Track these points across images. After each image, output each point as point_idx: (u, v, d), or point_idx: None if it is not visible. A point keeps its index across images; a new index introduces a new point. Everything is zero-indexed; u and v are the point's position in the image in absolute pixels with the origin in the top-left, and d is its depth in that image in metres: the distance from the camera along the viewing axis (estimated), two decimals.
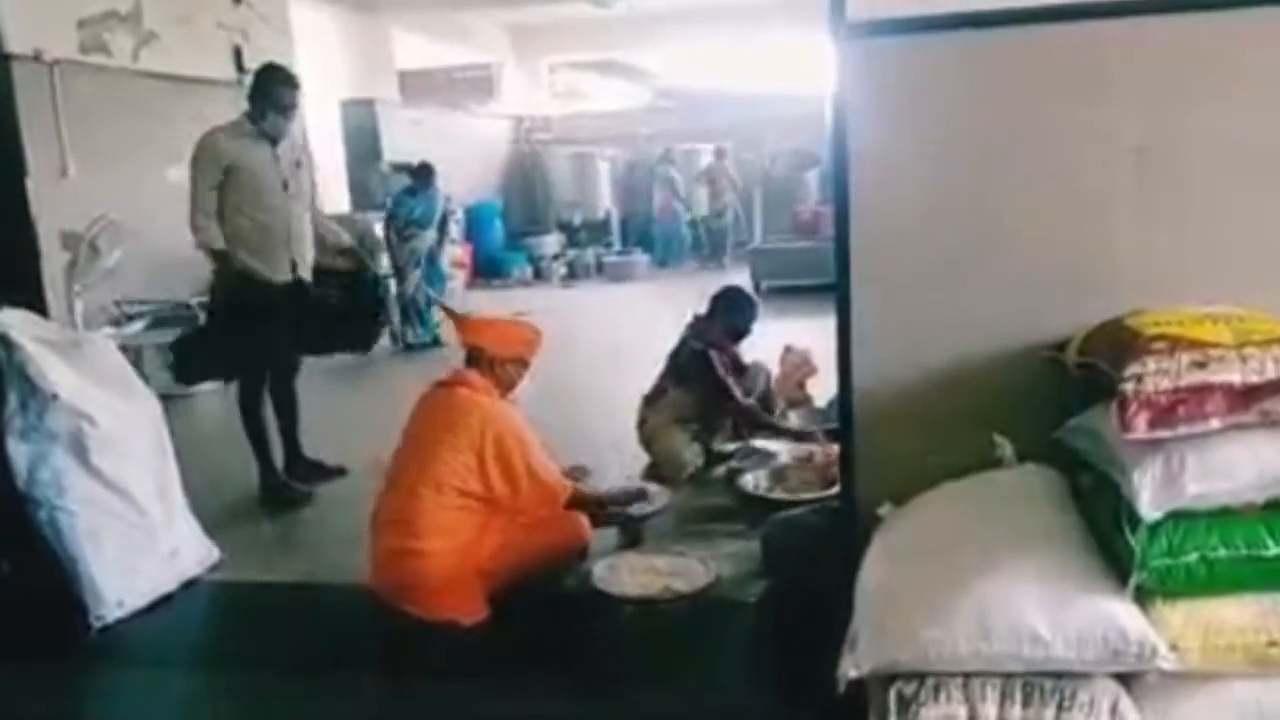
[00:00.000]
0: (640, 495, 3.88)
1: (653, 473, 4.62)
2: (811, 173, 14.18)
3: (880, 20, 2.33)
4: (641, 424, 4.83)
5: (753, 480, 4.19)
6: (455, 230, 9.88)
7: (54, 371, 3.34)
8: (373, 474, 3.60)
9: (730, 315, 4.93)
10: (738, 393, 4.77)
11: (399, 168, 11.32)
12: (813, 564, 2.85)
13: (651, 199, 14.91)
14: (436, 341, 8.84)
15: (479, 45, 15.74)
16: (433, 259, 9.13)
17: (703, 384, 4.74)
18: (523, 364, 3.50)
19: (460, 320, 3.70)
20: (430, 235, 8.99)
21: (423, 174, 9.07)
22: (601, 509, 3.65)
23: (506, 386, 3.46)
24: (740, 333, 4.95)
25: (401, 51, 13.74)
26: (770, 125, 14.67)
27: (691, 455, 4.66)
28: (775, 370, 5.30)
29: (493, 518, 3.30)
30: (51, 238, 5.35)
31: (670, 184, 14.54)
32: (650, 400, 4.86)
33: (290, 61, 10.16)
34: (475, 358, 3.46)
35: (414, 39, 13.98)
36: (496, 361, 3.43)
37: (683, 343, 4.89)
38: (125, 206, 6.71)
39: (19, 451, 3.30)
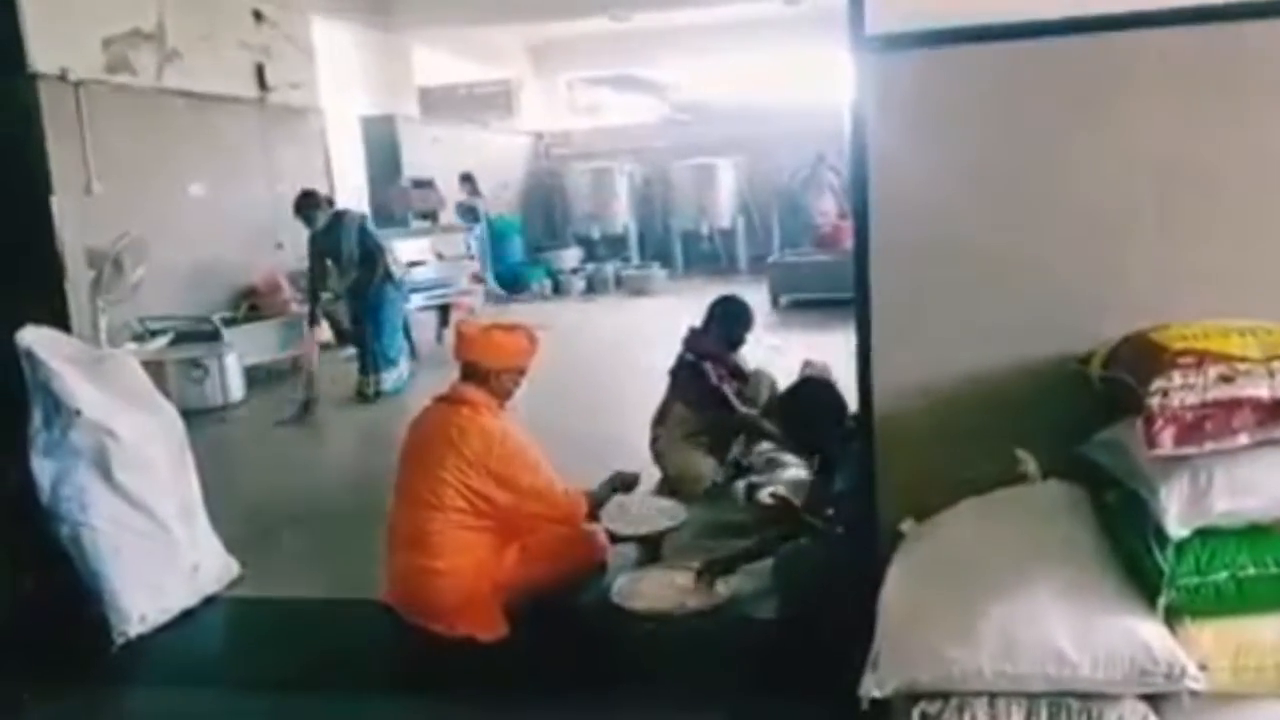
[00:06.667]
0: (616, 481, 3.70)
1: (667, 489, 4.57)
2: (829, 186, 14.13)
3: (899, 34, 2.33)
4: (654, 442, 4.79)
5: (770, 494, 4.16)
6: (394, 266, 7.61)
7: (78, 388, 3.36)
8: None
9: (725, 325, 4.90)
10: (735, 401, 4.73)
11: (418, 184, 11.39)
12: (826, 593, 2.84)
13: (658, 208, 14.22)
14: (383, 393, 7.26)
15: (498, 61, 15.85)
16: (367, 303, 7.27)
17: (701, 397, 4.72)
18: (519, 373, 3.48)
19: (457, 335, 3.68)
20: (352, 274, 7.19)
21: (303, 206, 7.23)
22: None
23: (503, 396, 3.44)
24: (736, 341, 4.92)
25: (421, 68, 13.84)
26: (788, 138, 14.65)
27: (707, 470, 4.62)
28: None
29: (508, 535, 3.30)
30: (76, 254, 5.39)
31: (833, 188, 13.38)
32: (659, 418, 4.83)
33: (312, 78, 10.32)
34: (470, 372, 3.44)
35: (434, 55, 14.09)
36: (492, 374, 3.41)
37: (680, 357, 4.88)
38: (148, 223, 6.81)
39: (43, 468, 3.33)
